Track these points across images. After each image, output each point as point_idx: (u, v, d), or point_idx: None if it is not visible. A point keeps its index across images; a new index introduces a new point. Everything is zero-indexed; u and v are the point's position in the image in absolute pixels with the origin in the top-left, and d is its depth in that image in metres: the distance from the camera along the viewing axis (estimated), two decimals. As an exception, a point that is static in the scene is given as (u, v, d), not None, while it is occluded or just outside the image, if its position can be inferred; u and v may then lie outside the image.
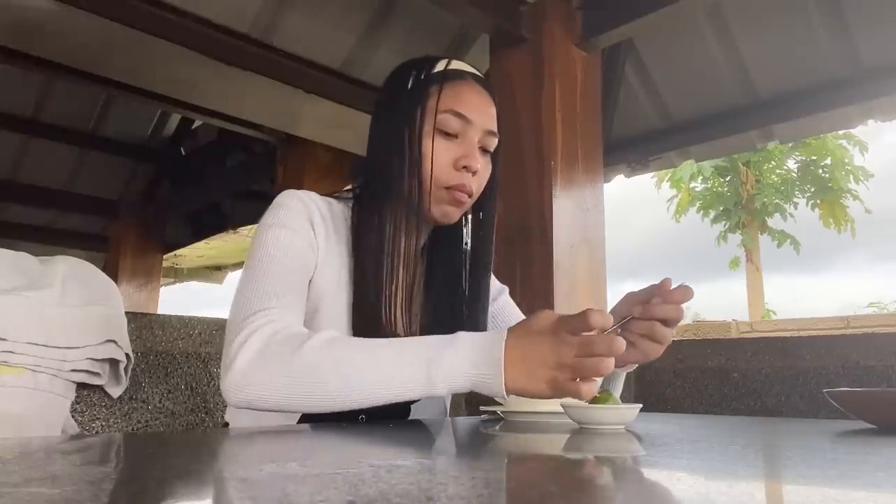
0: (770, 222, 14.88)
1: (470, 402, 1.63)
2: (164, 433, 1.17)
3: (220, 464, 0.54)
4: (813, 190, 14.53)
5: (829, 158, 14.25)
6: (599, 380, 0.75)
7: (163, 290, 5.85)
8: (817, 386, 1.75)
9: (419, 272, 1.03)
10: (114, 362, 1.15)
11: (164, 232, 5.30)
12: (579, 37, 2.20)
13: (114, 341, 1.13)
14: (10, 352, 0.99)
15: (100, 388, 1.15)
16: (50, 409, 1.05)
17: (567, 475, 0.47)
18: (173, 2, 2.26)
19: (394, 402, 0.78)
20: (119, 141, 4.53)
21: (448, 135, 0.97)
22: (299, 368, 0.76)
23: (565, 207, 2.06)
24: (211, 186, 4.63)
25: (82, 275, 1.16)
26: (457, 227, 1.06)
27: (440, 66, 1.00)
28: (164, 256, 5.63)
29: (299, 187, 1.00)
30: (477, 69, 1.05)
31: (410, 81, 0.99)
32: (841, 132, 13.07)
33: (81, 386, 1.12)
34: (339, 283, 0.95)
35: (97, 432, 1.16)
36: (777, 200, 14.75)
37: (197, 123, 4.54)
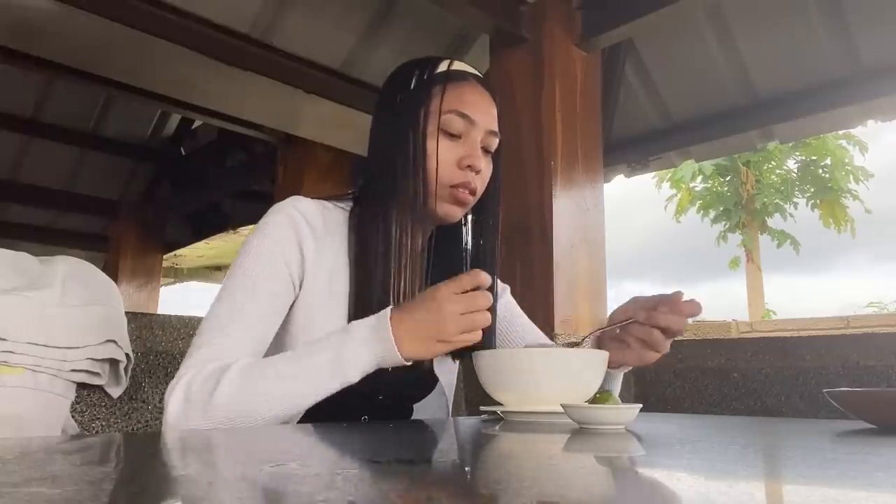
0: (770, 222, 14.89)
1: (470, 402, 1.63)
2: (164, 433, 1.16)
3: (220, 464, 0.54)
4: (813, 190, 14.53)
5: (829, 158, 14.24)
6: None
7: (163, 290, 5.86)
8: (817, 386, 1.75)
9: (421, 271, 1.04)
10: (114, 362, 1.15)
11: (165, 232, 5.30)
12: (579, 37, 2.20)
13: (114, 341, 1.12)
14: (10, 352, 0.99)
15: (100, 388, 1.15)
16: (50, 410, 1.05)
17: (567, 475, 0.47)
18: (174, 2, 2.26)
19: (318, 401, 0.85)
20: (119, 141, 4.53)
21: (452, 135, 0.98)
22: (215, 412, 0.82)
23: (565, 207, 2.06)
24: (211, 186, 4.62)
25: (82, 275, 1.16)
26: (457, 227, 1.07)
27: (443, 67, 1.01)
28: (164, 256, 5.63)
29: (299, 187, 1.01)
30: (477, 69, 1.06)
31: (413, 82, 1.00)
32: (841, 132, 13.08)
33: (81, 386, 1.12)
34: (333, 290, 0.96)
35: (97, 432, 1.15)
36: (777, 200, 14.75)
37: (197, 123, 4.54)
